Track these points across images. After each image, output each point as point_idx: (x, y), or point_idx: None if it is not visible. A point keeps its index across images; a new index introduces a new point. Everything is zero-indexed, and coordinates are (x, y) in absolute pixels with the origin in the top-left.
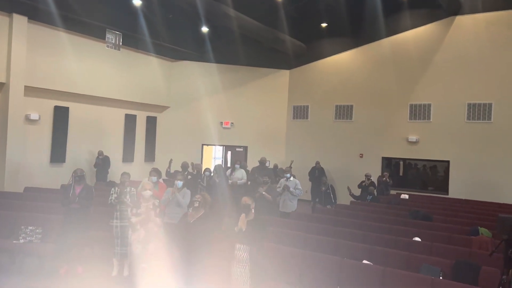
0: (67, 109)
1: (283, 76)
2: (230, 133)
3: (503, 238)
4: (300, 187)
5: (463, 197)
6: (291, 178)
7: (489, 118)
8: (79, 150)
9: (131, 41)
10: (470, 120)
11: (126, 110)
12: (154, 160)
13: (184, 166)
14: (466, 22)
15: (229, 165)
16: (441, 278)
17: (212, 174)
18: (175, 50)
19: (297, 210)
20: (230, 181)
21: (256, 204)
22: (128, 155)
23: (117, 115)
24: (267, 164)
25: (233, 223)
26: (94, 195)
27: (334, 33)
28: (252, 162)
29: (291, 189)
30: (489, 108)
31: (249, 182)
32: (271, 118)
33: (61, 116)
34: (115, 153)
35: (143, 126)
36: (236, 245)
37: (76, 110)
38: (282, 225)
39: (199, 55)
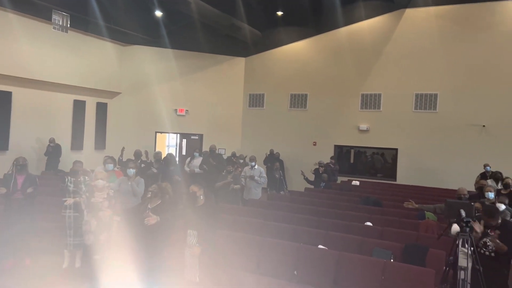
0: (9, 93)
1: (239, 64)
2: (185, 121)
3: (450, 221)
4: (265, 175)
5: (410, 183)
6: (256, 167)
7: (435, 108)
8: (24, 137)
9: (80, 23)
10: (417, 110)
11: (75, 96)
12: (104, 148)
13: (137, 154)
14: (415, 15)
15: (183, 153)
16: (392, 260)
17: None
18: (126, 34)
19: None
20: (188, 169)
21: (220, 192)
22: (77, 143)
23: (65, 101)
24: (222, 153)
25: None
26: (38, 184)
27: (290, 22)
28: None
29: (256, 177)
30: (434, 99)
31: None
32: (227, 106)
33: (2, 101)
34: (63, 141)
35: (93, 113)
36: (187, 231)
37: (20, 95)
38: (240, 213)
39: (152, 40)
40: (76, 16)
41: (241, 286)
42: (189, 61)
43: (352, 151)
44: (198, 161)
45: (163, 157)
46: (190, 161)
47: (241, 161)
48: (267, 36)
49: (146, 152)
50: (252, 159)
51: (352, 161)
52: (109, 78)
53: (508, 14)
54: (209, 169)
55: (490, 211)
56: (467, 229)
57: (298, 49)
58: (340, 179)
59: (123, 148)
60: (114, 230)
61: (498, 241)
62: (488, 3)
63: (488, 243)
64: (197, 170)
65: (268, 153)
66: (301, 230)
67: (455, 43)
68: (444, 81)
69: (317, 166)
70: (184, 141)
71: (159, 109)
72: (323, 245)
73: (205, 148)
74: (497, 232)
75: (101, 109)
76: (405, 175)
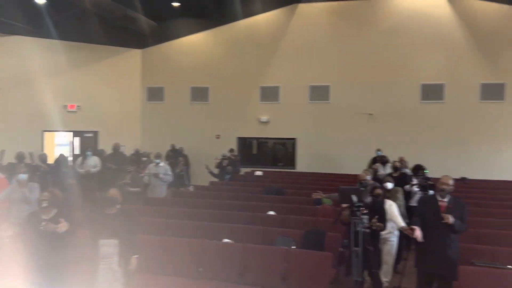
0: None
1: (134, 56)
2: (77, 117)
3: (343, 206)
4: (170, 173)
5: (308, 171)
6: (161, 164)
7: (327, 99)
8: None
9: None
10: (312, 101)
11: None
12: None
13: (20, 156)
14: (307, 10)
15: (77, 152)
16: (294, 247)
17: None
18: (4, 23)
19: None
20: (82, 170)
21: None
22: None
23: None
24: (122, 150)
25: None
26: None
27: (188, 13)
28: (105, 148)
29: (160, 175)
30: (327, 90)
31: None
32: (124, 100)
33: None
34: None
35: None
36: (99, 241)
37: None
38: (141, 213)
39: (34, 30)
40: None
41: None
42: (80, 53)
43: (255, 142)
44: (92, 160)
45: (55, 158)
46: (83, 161)
47: (144, 158)
48: (164, 27)
49: (31, 154)
50: (158, 156)
51: (255, 152)
52: None
53: (387, 11)
54: (107, 169)
55: (357, 192)
56: (358, 213)
57: (198, 41)
58: (244, 170)
59: (3, 150)
60: (6, 246)
61: (378, 223)
62: (371, 1)
63: (363, 219)
64: (93, 170)
65: (170, 148)
66: (206, 226)
67: (343, 37)
68: (335, 73)
69: (219, 160)
70: (77, 139)
71: (46, 105)
72: (228, 239)
73: (102, 146)
74: (376, 217)
75: None
76: (304, 163)
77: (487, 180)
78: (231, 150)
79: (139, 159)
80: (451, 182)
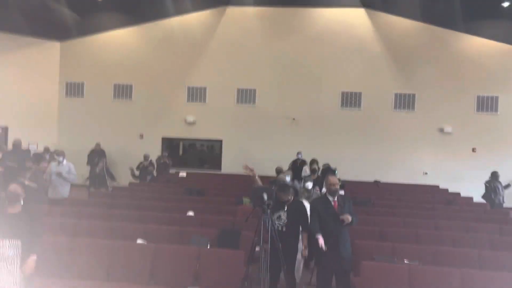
0: None
1: (52, 48)
2: None
3: (255, 206)
4: (75, 172)
5: (234, 172)
6: (64, 162)
7: (254, 102)
8: None
9: None
10: (239, 103)
11: None
12: None
13: None
14: (236, 13)
15: None
16: (208, 247)
17: None
18: None
19: (73, 196)
20: None
21: None
22: None
23: None
24: (34, 148)
25: None
26: None
27: (114, 7)
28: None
29: (63, 174)
30: (254, 93)
31: None
32: (39, 95)
33: None
34: None
35: None
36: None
37: None
38: (51, 214)
39: None
40: None
41: None
42: None
43: (181, 143)
44: None
45: None
46: None
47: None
48: (87, 20)
49: None
50: (60, 153)
51: (181, 153)
52: None
53: (313, 20)
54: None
55: (283, 187)
56: (268, 211)
57: (123, 36)
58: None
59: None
60: None
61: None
62: (297, 9)
63: (281, 216)
64: None
65: (94, 147)
66: (119, 226)
67: (270, 43)
68: (262, 78)
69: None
70: None
71: None
72: (142, 239)
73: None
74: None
75: None
76: (229, 165)
77: (397, 183)
78: (165, 152)
79: (41, 157)
80: (338, 181)
